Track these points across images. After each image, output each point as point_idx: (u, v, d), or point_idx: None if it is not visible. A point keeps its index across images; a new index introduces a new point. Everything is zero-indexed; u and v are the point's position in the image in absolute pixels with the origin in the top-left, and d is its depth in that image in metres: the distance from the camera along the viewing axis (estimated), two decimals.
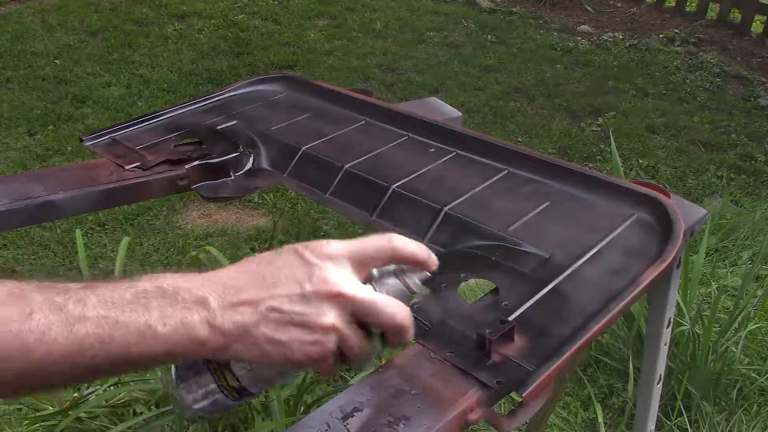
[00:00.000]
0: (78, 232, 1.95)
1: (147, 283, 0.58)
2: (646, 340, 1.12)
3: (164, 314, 0.56)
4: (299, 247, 0.62)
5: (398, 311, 0.62)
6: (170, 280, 0.58)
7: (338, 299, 0.60)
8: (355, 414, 0.62)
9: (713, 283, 2.39)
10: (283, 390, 1.53)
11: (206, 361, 0.65)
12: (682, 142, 3.85)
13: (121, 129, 1.22)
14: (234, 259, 2.90)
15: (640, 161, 3.61)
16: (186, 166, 1.09)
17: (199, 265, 2.53)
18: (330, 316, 0.60)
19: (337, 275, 0.61)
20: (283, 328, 0.59)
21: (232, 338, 0.58)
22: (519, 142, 3.62)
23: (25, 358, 0.53)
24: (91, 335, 0.54)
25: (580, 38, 5.28)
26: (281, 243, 2.80)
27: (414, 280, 0.67)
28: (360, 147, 1.13)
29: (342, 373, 1.88)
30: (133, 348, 0.55)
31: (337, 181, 1.06)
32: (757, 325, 2.17)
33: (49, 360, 0.54)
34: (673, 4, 5.84)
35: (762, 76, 4.71)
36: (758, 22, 5.41)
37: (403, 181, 1.02)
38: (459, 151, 1.10)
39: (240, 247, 2.77)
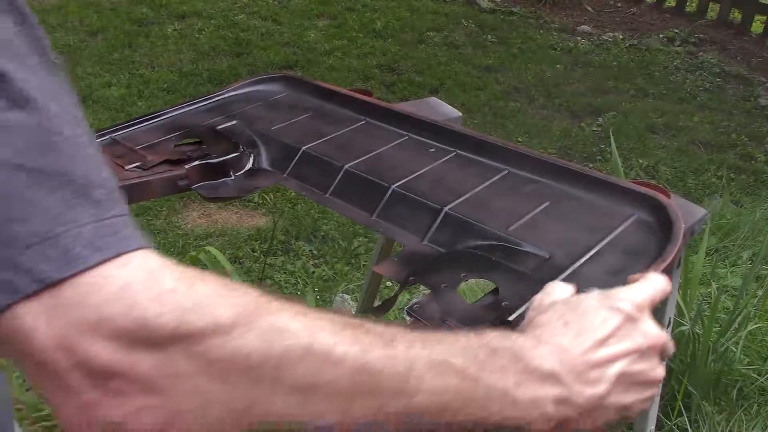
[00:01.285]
0: None
1: (495, 340, 0.54)
2: None
3: (520, 382, 0.53)
4: (607, 300, 0.60)
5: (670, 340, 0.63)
6: (512, 342, 0.55)
7: (662, 348, 0.61)
8: None
9: (713, 283, 2.39)
10: None
11: None
12: (682, 142, 3.85)
13: (121, 129, 1.22)
14: (234, 259, 2.88)
15: (640, 161, 3.61)
16: (186, 166, 1.09)
17: (200, 265, 2.53)
18: (661, 367, 0.61)
19: (654, 324, 0.61)
20: (629, 390, 0.58)
21: (581, 413, 0.55)
22: (519, 142, 3.62)
23: (395, 390, 0.47)
24: (453, 386, 0.50)
25: (580, 38, 5.27)
26: (281, 243, 2.80)
27: None
28: (360, 147, 1.13)
29: None
30: (488, 412, 0.51)
31: (337, 181, 1.06)
32: (757, 325, 2.17)
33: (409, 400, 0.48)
34: (673, 4, 5.84)
35: (762, 76, 4.71)
36: (758, 22, 5.41)
37: (403, 181, 1.02)
38: (459, 151, 1.10)
39: (240, 247, 2.77)
